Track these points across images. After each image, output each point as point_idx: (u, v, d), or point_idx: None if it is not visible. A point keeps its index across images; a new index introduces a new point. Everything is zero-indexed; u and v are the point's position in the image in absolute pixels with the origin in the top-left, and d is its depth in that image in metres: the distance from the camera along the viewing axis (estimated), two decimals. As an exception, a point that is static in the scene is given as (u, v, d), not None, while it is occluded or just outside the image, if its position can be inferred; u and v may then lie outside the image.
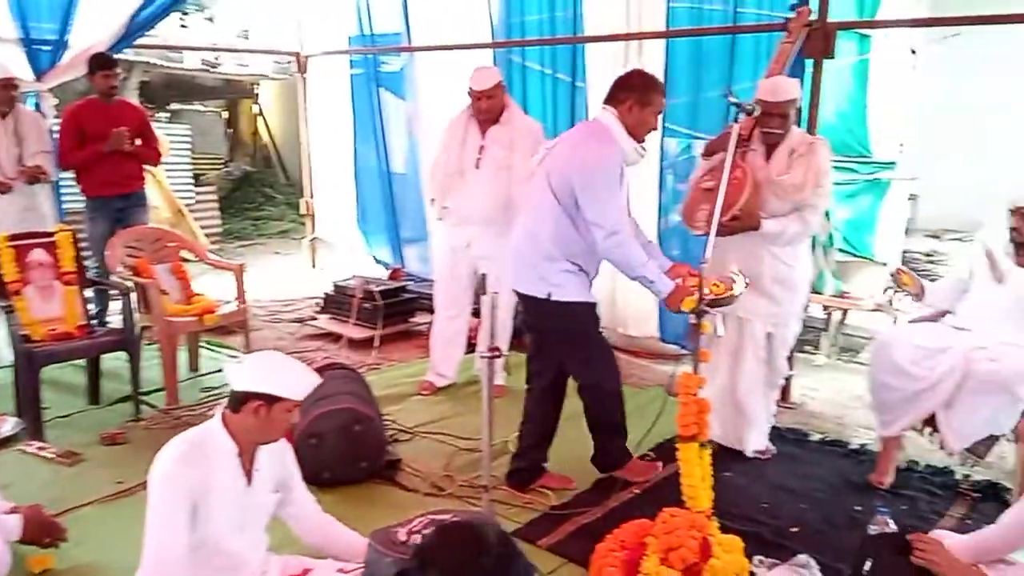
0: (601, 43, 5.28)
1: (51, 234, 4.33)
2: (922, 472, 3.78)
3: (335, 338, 5.67)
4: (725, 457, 3.73)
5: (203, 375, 4.88)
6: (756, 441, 3.91)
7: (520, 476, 3.55)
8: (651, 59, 5.07)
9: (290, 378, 2.23)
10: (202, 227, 8.49)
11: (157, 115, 10.01)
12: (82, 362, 4.42)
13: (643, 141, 3.27)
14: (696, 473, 2.87)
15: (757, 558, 2.85)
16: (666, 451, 3.62)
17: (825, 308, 5.53)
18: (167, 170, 7.92)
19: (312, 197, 8.16)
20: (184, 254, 4.99)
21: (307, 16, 7.74)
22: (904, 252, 6.65)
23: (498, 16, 5.81)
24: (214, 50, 10.74)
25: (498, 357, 2.89)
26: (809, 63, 4.32)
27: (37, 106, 5.50)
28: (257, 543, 2.39)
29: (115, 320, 4.87)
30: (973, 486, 3.61)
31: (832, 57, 4.34)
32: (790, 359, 4.48)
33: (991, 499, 3.51)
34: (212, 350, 5.25)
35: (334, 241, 8.22)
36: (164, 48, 9.76)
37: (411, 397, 4.64)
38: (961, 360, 3.29)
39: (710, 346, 3.10)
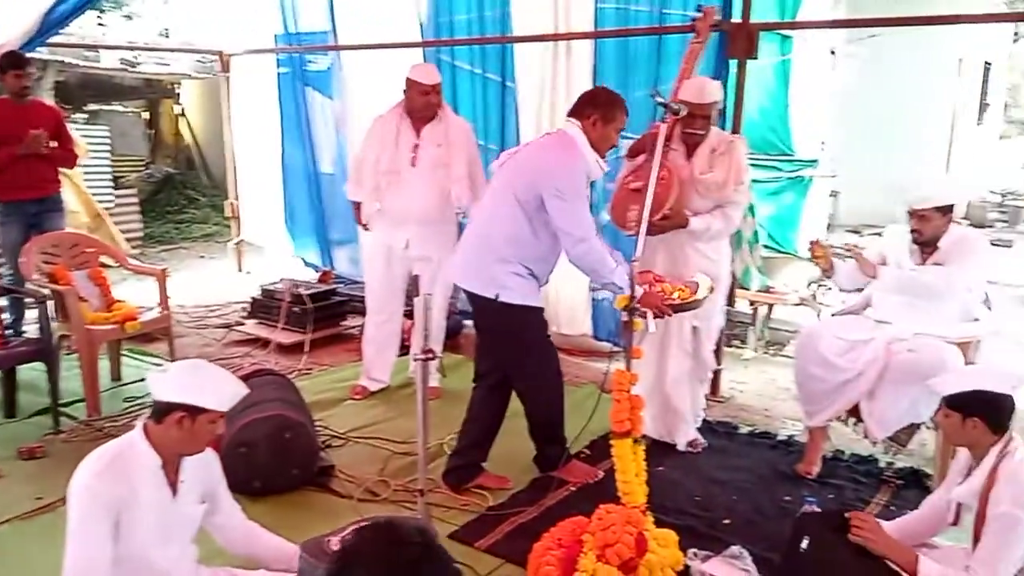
0: (530, 43, 5.29)
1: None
2: (847, 461, 3.88)
3: (263, 343, 5.56)
4: (658, 452, 3.78)
5: (126, 384, 4.73)
6: (687, 433, 3.98)
7: (457, 474, 3.54)
8: (579, 59, 5.11)
9: (214, 388, 2.16)
10: (122, 231, 8.23)
11: (74, 116, 9.69)
12: (-3, 374, 4.24)
13: (604, 156, 3.31)
14: (630, 469, 2.91)
15: (691, 551, 2.89)
16: (601, 448, 3.66)
17: (751, 303, 5.65)
18: (85, 173, 7.67)
19: (237, 199, 7.98)
20: (104, 259, 4.84)
21: (230, 14, 7.57)
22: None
23: (427, 15, 5.77)
24: (133, 49, 10.46)
25: (432, 359, 2.86)
26: (733, 63, 4.41)
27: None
28: (185, 556, 2.32)
29: (31, 329, 4.71)
30: (896, 473, 3.73)
31: (755, 57, 4.43)
32: (718, 354, 4.57)
33: (913, 486, 3.63)
34: (135, 358, 5.09)
35: (261, 244, 8.06)
36: (80, 47, 9.47)
37: (343, 402, 4.57)
38: (882, 351, 3.41)
39: (641, 343, 3.14)
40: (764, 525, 3.26)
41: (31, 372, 4.29)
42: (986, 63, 13.64)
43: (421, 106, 4.28)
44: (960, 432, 2.34)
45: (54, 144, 5.07)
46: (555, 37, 5.14)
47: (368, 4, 6.21)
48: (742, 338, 5.76)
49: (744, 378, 5.18)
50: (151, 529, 2.15)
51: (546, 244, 3.28)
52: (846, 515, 2.45)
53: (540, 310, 3.39)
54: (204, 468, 2.34)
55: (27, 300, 4.96)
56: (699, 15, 4.19)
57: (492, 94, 5.54)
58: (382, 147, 4.35)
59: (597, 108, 3.25)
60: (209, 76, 10.32)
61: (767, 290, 5.65)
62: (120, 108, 11.46)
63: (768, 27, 4.84)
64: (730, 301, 4.97)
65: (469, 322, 5.84)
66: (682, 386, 3.93)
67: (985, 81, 13.87)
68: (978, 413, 2.29)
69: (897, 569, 2.34)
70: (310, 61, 6.81)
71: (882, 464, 3.83)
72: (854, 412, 3.57)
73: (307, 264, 7.31)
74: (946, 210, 3.39)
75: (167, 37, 12.82)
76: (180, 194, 11.06)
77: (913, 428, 3.52)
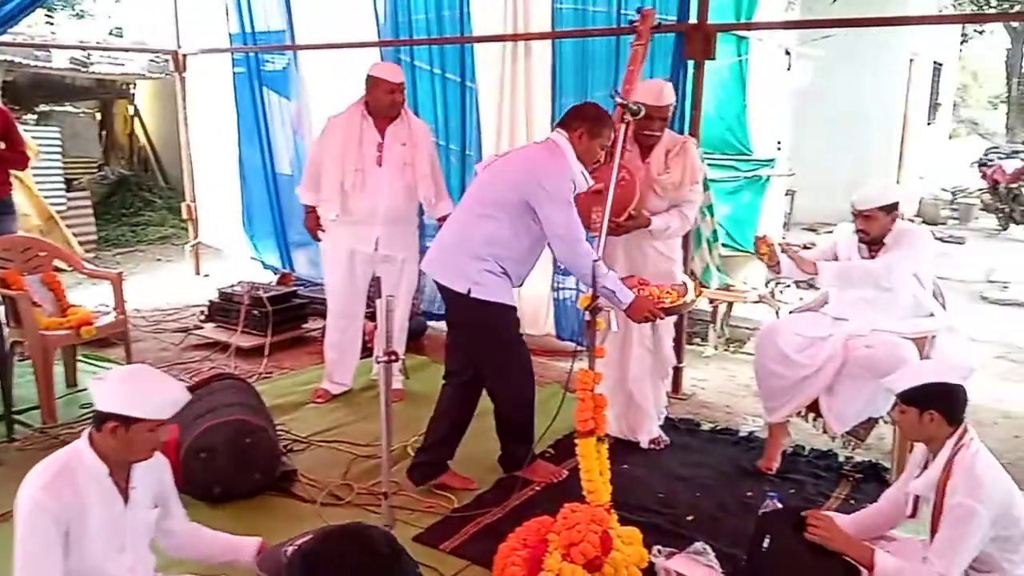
0: (489, 43, 5.29)
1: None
2: (807, 456, 3.94)
3: (222, 347, 5.48)
4: (621, 450, 3.81)
5: (82, 391, 4.63)
6: (650, 431, 4.01)
7: (422, 471, 3.53)
8: (538, 59, 5.12)
9: (148, 397, 2.10)
10: (76, 234, 8.09)
11: (24, 117, 9.48)
12: (-54, 382, 4.12)
13: (589, 169, 3.33)
14: (595, 468, 2.93)
15: (656, 548, 2.90)
16: (565, 447, 3.67)
17: (711, 301, 5.70)
18: (36, 175, 7.51)
19: (194, 201, 7.87)
20: (57, 263, 4.73)
21: (185, 13, 7.46)
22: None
23: (385, 14, 5.74)
24: (85, 48, 10.25)
25: (395, 361, 2.85)
26: (691, 64, 4.45)
27: None
28: (140, 563, 2.27)
29: (-18, 336, 4.58)
30: (855, 467, 3.79)
31: (712, 58, 4.48)
32: (679, 351, 4.62)
33: (872, 479, 3.69)
34: (91, 364, 5.00)
35: (219, 246, 7.96)
36: (31, 46, 9.27)
37: (305, 405, 4.52)
38: (840, 348, 3.47)
39: (603, 342, 3.16)
40: (727, 521, 3.29)
41: (-18, 380, 4.17)
42: (936, 64, 13.94)
43: (387, 105, 4.24)
44: (917, 427, 2.38)
45: (2, 145, 4.96)
46: (513, 37, 5.15)
47: (325, 4, 6.16)
48: (703, 336, 5.82)
49: (705, 375, 5.24)
50: (104, 539, 2.11)
51: (524, 246, 3.31)
52: (803, 514, 2.49)
53: (512, 309, 3.40)
54: (155, 472, 2.30)
55: (-23, 306, 4.84)
56: (637, 18, 4.23)
57: (452, 94, 5.53)
58: (345, 147, 4.26)
59: (584, 122, 3.27)
60: (163, 76, 10.16)
61: (727, 288, 5.71)
62: (72, 109, 11.23)
63: (724, 28, 4.90)
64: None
65: (433, 323, 5.84)
66: (644, 383, 3.97)
67: (936, 81, 14.18)
68: (934, 406, 2.33)
69: (856, 564, 2.39)
70: (267, 61, 6.74)
71: (841, 459, 3.89)
72: (813, 408, 3.62)
73: (266, 266, 7.23)
74: (890, 208, 3.45)
75: (120, 36, 12.60)
76: (135, 196, 10.87)
77: (871, 422, 3.59)
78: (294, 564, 1.97)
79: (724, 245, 5.85)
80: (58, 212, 7.85)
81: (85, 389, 4.62)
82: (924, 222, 12.52)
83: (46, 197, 7.65)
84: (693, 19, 4.40)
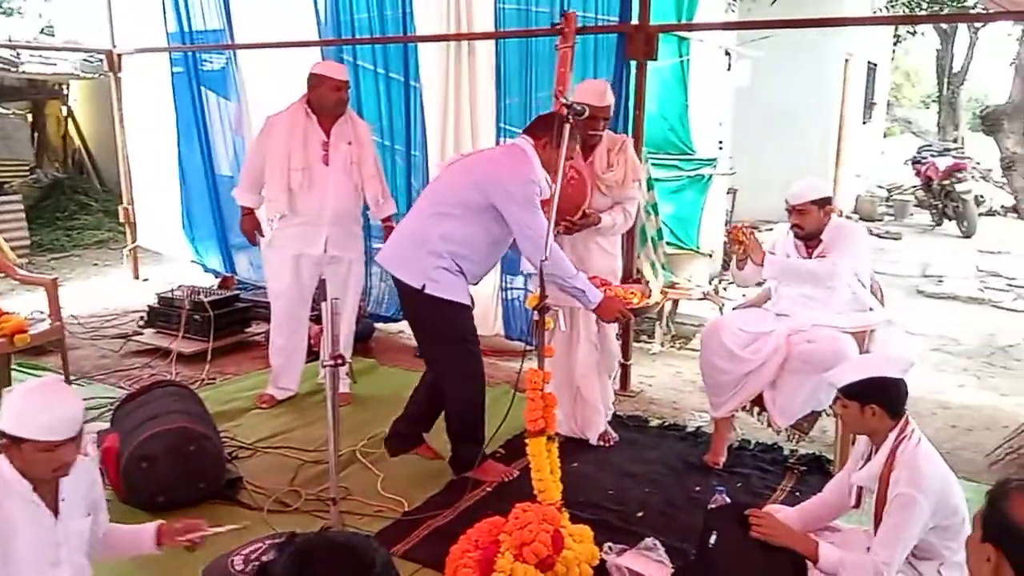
0: (433, 43, 5.26)
1: None
2: (753, 450, 4.00)
3: (163, 354, 5.35)
4: (571, 448, 3.81)
5: (15, 401, 4.48)
6: (599, 427, 4.04)
7: (400, 439, 3.68)
8: (482, 59, 5.11)
9: (34, 418, 1.99)
10: (7, 240, 7.86)
11: (-51, 119, 9.17)
12: None
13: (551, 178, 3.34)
14: (545, 467, 2.94)
15: (607, 545, 2.92)
16: (515, 447, 3.68)
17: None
18: (-37, 179, 7.27)
19: (132, 204, 7.66)
20: (-12, 270, 4.59)
21: (119, 12, 7.27)
22: (725, 244, 7.04)
23: (326, 14, 5.67)
24: (14, 47, 9.94)
25: (342, 365, 2.81)
26: (634, 64, 4.49)
27: None
28: (77, 574, 2.21)
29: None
30: (800, 460, 3.86)
31: (655, 59, 4.52)
32: (627, 349, 4.65)
33: (816, 471, 3.76)
34: (27, 373, 4.83)
35: (158, 250, 7.78)
36: (-45, 45, 8.97)
37: (250, 411, 4.43)
38: (783, 343, 3.54)
39: (551, 341, 3.17)
40: (676, 516, 3.32)
41: (-91, 392, 4.02)
42: (871, 64, 14.28)
43: (333, 103, 4.19)
44: (859, 420, 2.42)
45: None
46: (456, 37, 5.13)
47: (264, 3, 6.06)
48: (649, 333, 5.87)
49: (652, 372, 5.29)
50: (34, 556, 2.04)
51: (483, 247, 3.33)
52: (745, 512, 2.52)
53: (467, 308, 3.41)
54: (84, 479, 2.22)
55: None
56: (561, 22, 4.26)
57: (396, 94, 5.50)
58: (289, 145, 4.17)
59: (549, 131, 3.27)
60: (97, 76, 9.90)
61: (672, 286, 5.77)
62: (1, 110, 10.88)
63: (666, 29, 4.95)
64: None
65: (380, 325, 5.79)
66: (591, 379, 4.00)
67: (871, 81, 14.53)
68: (875, 400, 2.37)
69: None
70: (205, 61, 6.61)
71: (786, 452, 3.97)
72: (758, 402, 3.69)
73: (207, 270, 7.09)
74: (822, 203, 3.54)
75: (52, 35, 12.25)
76: (70, 200, 10.57)
77: (814, 416, 3.66)
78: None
79: (668, 243, 5.91)
80: (-12, 217, 7.62)
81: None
82: (861, 218, 12.82)
83: (-25, 202, 7.41)
84: (635, 20, 4.44)
